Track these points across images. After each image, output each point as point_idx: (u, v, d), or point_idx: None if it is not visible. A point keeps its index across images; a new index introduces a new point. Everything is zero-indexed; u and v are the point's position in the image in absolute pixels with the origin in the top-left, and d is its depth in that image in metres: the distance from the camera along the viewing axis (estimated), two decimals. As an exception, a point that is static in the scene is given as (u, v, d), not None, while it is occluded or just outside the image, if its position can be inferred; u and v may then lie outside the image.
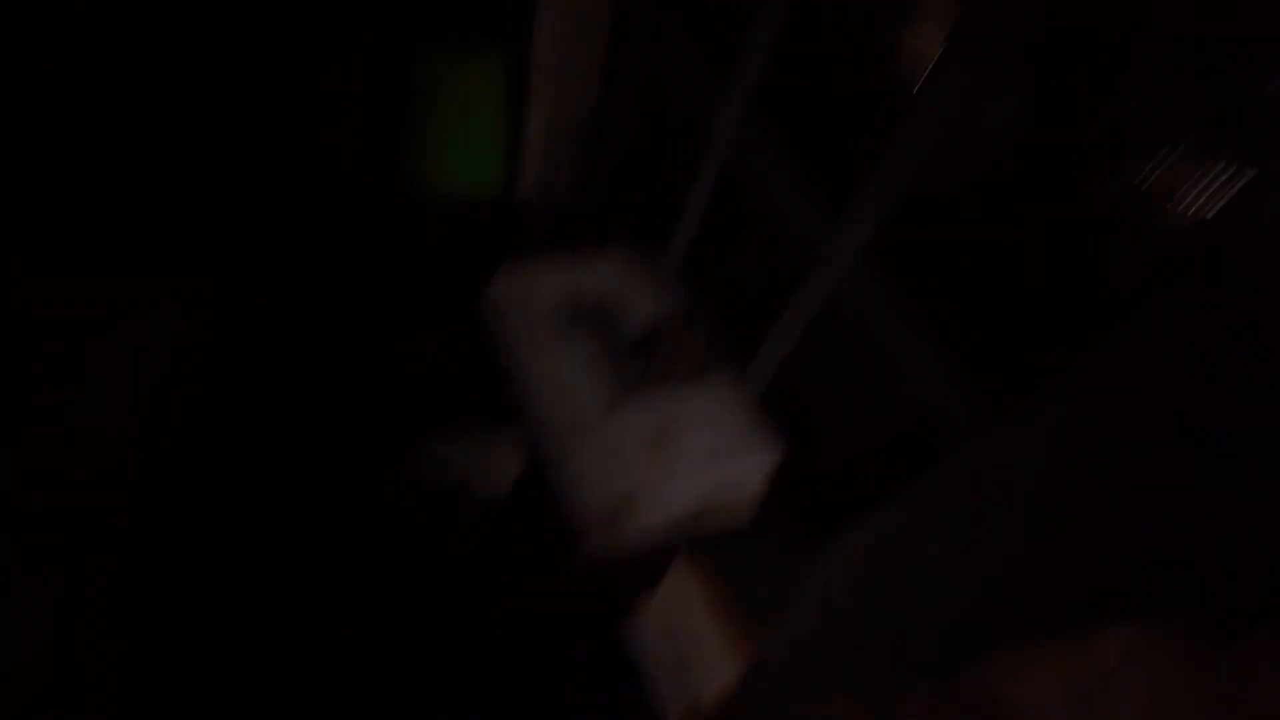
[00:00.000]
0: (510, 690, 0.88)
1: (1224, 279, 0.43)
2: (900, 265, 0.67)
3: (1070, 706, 0.63)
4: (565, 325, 0.86)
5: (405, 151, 0.98)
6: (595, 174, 1.04)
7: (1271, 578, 0.44)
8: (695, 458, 0.78)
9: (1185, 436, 0.47)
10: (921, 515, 0.70)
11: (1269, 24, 0.45)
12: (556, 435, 0.76)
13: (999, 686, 0.87)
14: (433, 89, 0.92)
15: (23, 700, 0.64)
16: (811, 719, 0.94)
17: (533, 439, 0.77)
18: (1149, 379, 0.48)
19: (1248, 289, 0.43)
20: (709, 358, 0.88)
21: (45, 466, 0.72)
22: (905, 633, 0.77)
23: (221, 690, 0.74)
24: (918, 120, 0.60)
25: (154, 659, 0.73)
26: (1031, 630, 0.67)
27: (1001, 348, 0.60)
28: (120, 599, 0.71)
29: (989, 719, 0.77)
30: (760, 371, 0.86)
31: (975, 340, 0.62)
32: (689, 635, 0.99)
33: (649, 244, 1.00)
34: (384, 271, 0.99)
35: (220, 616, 0.76)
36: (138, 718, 0.72)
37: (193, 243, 0.91)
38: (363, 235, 1.00)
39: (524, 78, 0.95)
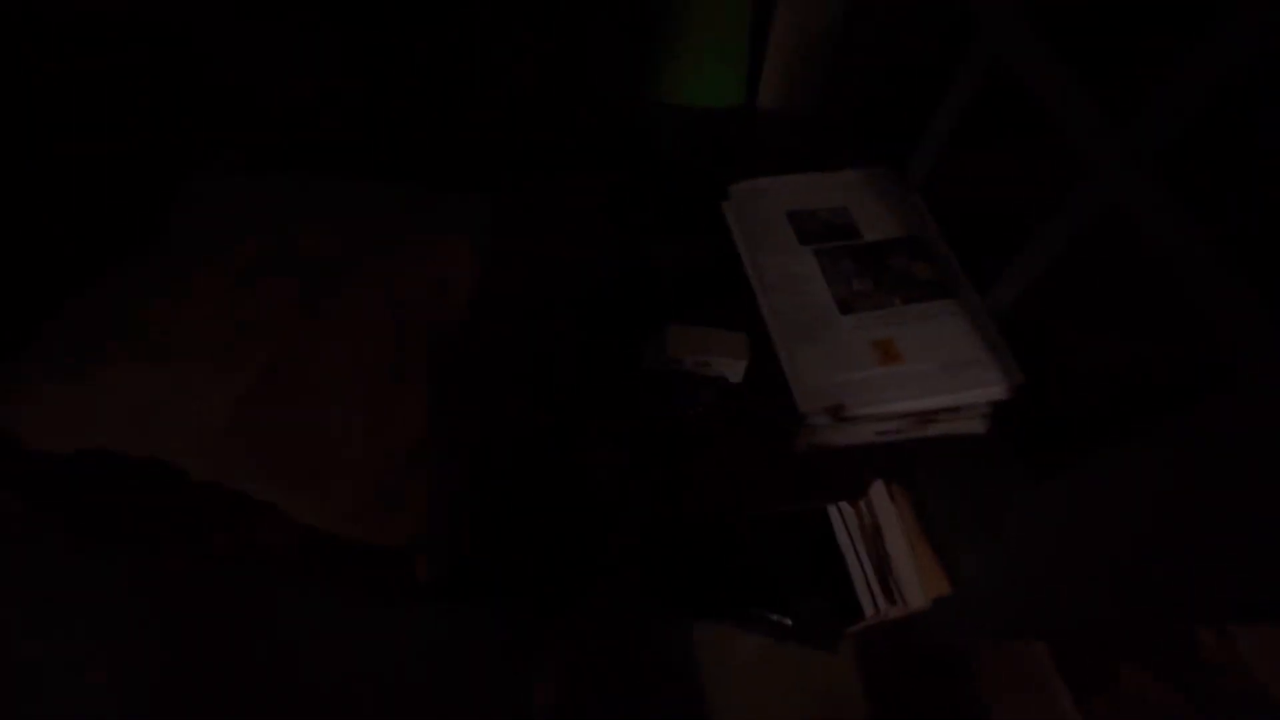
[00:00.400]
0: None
1: None
2: (1197, 180, 0.57)
3: None
4: (803, 232, 0.89)
5: (651, 60, 1.03)
6: (841, 84, 1.02)
7: None
8: (925, 367, 0.79)
9: None
10: (1159, 463, 0.65)
11: None
12: (790, 331, 0.80)
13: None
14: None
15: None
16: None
17: (768, 333, 0.82)
18: None
19: None
20: (949, 274, 0.86)
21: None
22: (1104, 583, 0.75)
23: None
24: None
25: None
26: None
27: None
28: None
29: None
30: (1005, 291, 0.83)
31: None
32: (888, 551, 1.01)
33: (893, 157, 0.99)
34: (632, 176, 1.06)
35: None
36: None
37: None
38: (612, 141, 1.10)
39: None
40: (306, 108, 1.12)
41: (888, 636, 1.20)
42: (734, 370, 0.81)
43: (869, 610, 1.03)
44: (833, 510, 1.06)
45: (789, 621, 1.00)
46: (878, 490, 1.07)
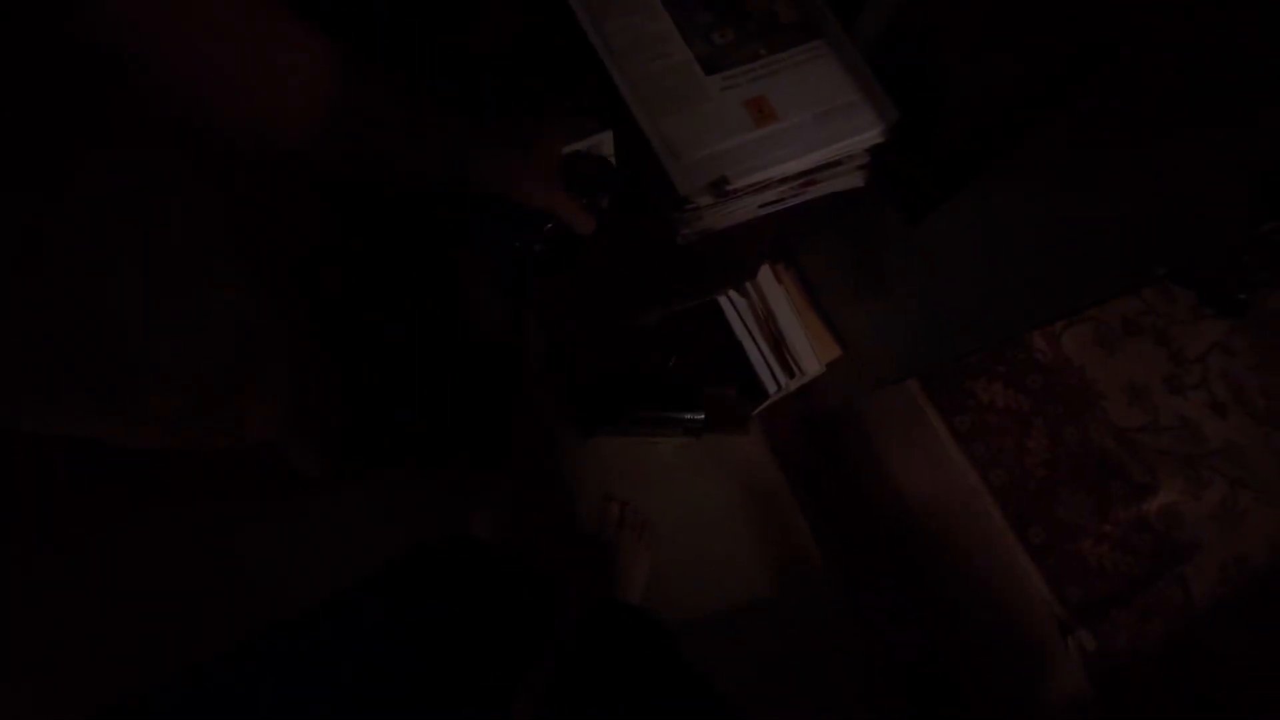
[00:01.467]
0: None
1: None
2: None
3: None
4: None
5: None
6: None
7: None
8: (802, 119, 0.72)
9: None
10: (1027, 179, 0.65)
11: None
12: (654, 105, 0.70)
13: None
14: None
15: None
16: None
17: (625, 104, 0.71)
18: None
19: None
20: (813, 10, 0.76)
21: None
22: (977, 306, 0.77)
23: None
24: None
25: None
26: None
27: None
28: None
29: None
30: (871, 21, 0.76)
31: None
32: (781, 330, 1.02)
33: None
34: None
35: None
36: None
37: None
38: None
39: None
40: None
41: (787, 405, 1.28)
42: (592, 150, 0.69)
43: (771, 389, 1.06)
44: (724, 301, 1.04)
45: (701, 416, 1.03)
46: (764, 273, 1.06)
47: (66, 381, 0.56)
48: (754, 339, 1.05)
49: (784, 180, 0.74)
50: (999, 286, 0.75)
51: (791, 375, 1.07)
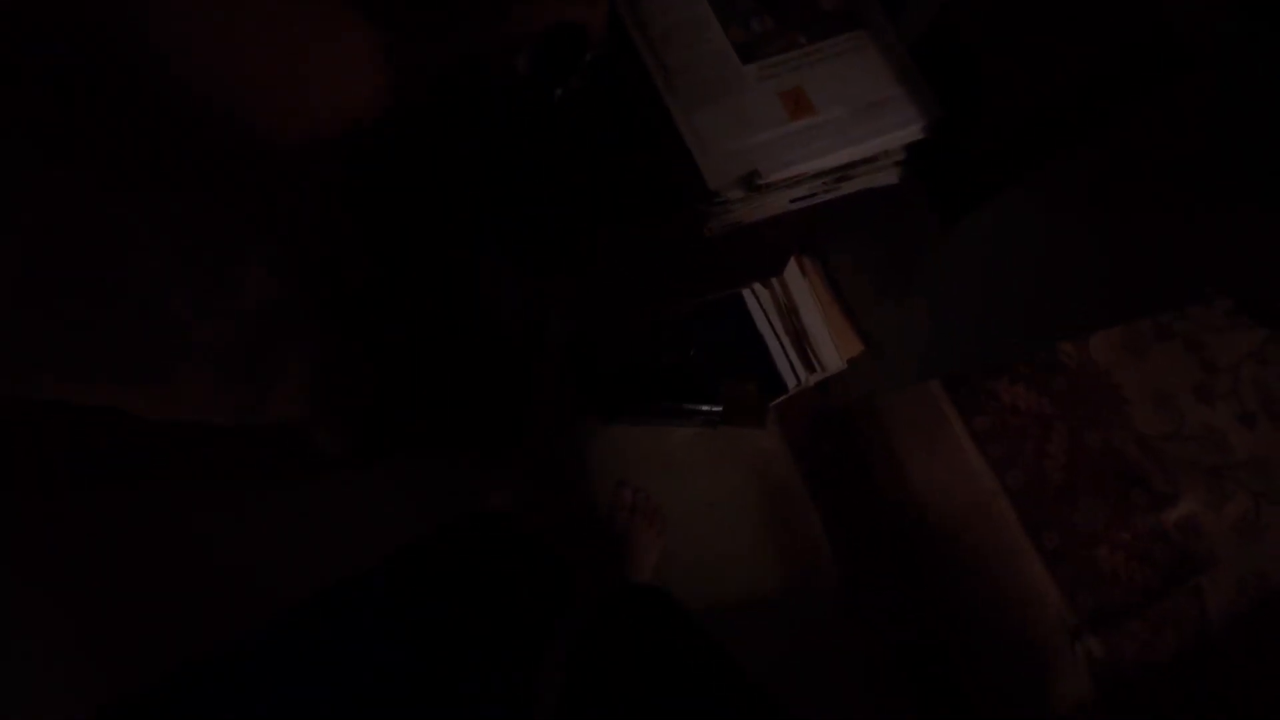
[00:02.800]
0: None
1: None
2: None
3: None
4: None
5: None
6: None
7: None
8: (840, 114, 0.70)
9: None
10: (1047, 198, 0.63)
11: None
12: (688, 94, 0.69)
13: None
14: None
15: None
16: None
17: (658, 92, 0.70)
18: None
19: None
20: (854, 1, 0.74)
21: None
22: (1010, 314, 0.76)
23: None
24: None
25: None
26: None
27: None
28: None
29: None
30: (918, 13, 0.74)
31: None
32: (804, 324, 1.02)
33: None
34: None
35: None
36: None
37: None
38: None
39: None
40: None
41: (807, 399, 1.27)
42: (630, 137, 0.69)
43: (791, 383, 1.05)
44: (747, 294, 1.03)
45: (719, 409, 1.02)
46: (790, 267, 1.04)
47: (104, 352, 0.57)
48: (775, 332, 1.04)
49: (817, 175, 0.72)
50: (1035, 296, 0.73)
51: (812, 370, 1.06)
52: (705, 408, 1.03)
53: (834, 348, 1.04)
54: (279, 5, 0.33)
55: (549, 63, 0.62)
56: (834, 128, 0.69)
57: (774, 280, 1.04)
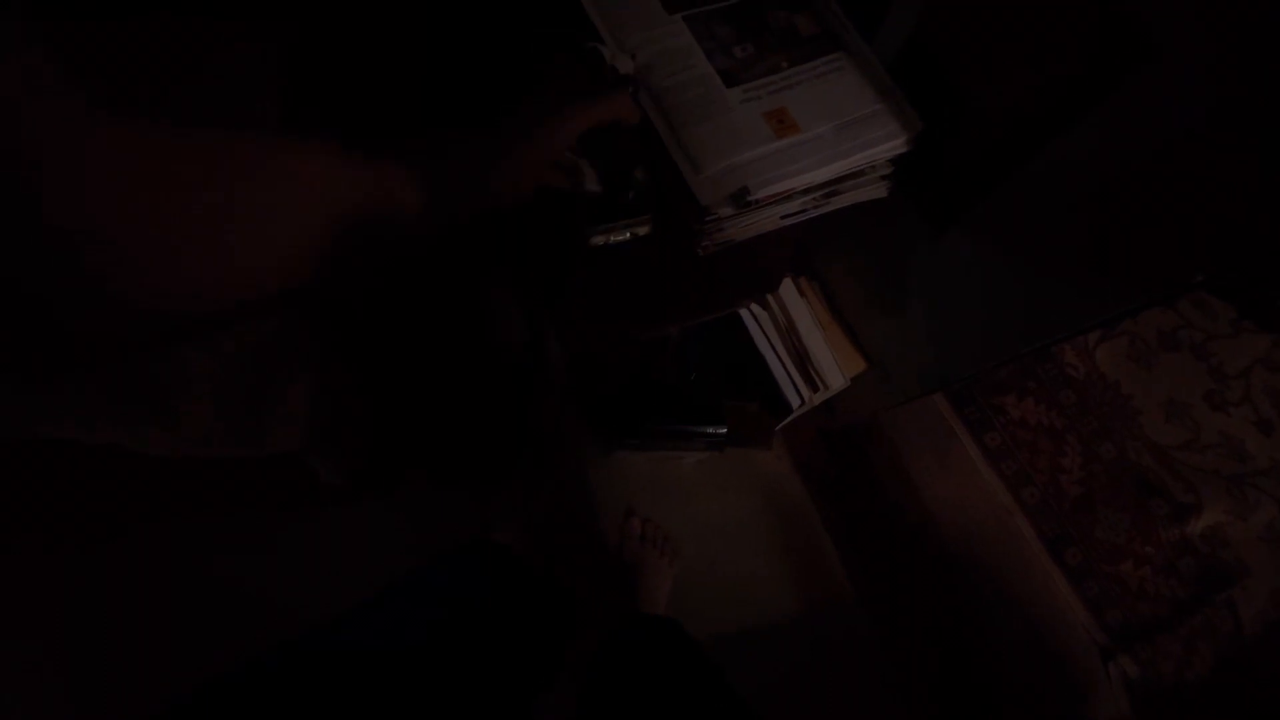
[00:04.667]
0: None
1: None
2: None
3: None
4: (667, 5, 0.77)
5: None
6: None
7: None
8: (823, 130, 0.72)
9: None
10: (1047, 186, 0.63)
11: None
12: (675, 118, 0.71)
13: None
14: None
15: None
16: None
17: (650, 110, 0.71)
18: None
19: None
20: (833, 23, 0.77)
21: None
22: (1002, 315, 0.76)
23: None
24: None
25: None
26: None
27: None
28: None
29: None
30: (892, 33, 0.76)
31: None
32: (804, 343, 1.01)
33: None
34: None
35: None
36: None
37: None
38: None
39: None
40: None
41: (811, 419, 1.26)
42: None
43: (795, 403, 1.05)
44: (745, 314, 1.04)
45: (723, 430, 1.02)
46: (786, 286, 1.05)
47: (108, 392, 0.58)
48: (776, 352, 1.04)
49: (806, 191, 0.73)
50: (1025, 295, 0.73)
51: (815, 389, 1.05)
52: (710, 429, 1.02)
53: (836, 366, 1.04)
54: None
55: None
56: (819, 144, 0.71)
57: (772, 300, 1.04)
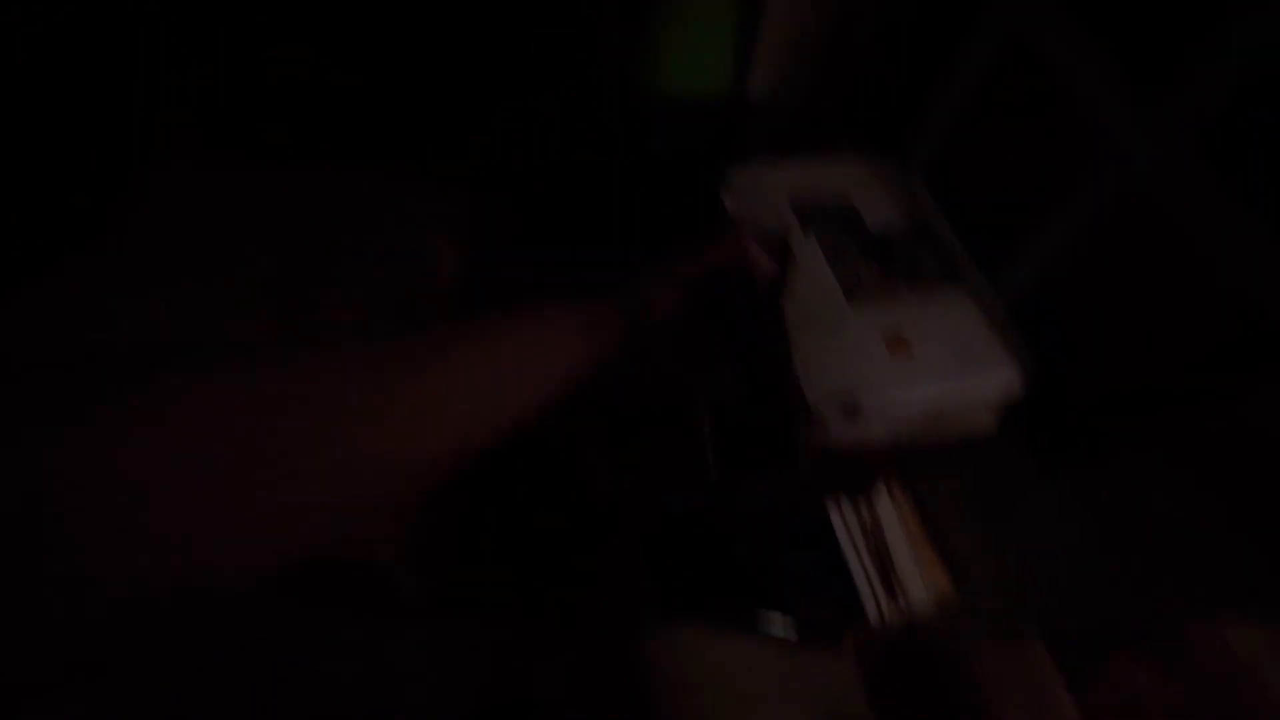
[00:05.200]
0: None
1: None
2: (1233, 162, 0.52)
3: None
4: (805, 220, 0.85)
5: (640, 52, 0.98)
6: (835, 69, 0.98)
7: None
8: (937, 357, 0.76)
9: None
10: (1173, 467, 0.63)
11: None
12: (797, 322, 0.71)
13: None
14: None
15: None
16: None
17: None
18: None
19: None
20: (955, 261, 0.83)
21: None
22: (1119, 589, 0.74)
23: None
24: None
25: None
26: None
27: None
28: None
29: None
30: (1016, 278, 0.80)
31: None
32: (889, 550, 0.98)
33: (891, 142, 0.95)
34: (621, 167, 1.01)
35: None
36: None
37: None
38: (601, 134, 1.04)
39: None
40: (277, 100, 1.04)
41: (889, 635, 1.17)
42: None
43: (871, 609, 1.00)
44: (832, 507, 1.03)
45: (794, 621, 0.97)
46: (879, 489, 1.04)
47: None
48: (859, 553, 1.01)
49: (915, 414, 0.75)
50: (1151, 562, 0.69)
51: (894, 600, 1.00)
52: (777, 622, 0.98)
53: (920, 582, 1.00)
54: None
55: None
56: (931, 368, 0.74)
57: (861, 500, 1.04)
